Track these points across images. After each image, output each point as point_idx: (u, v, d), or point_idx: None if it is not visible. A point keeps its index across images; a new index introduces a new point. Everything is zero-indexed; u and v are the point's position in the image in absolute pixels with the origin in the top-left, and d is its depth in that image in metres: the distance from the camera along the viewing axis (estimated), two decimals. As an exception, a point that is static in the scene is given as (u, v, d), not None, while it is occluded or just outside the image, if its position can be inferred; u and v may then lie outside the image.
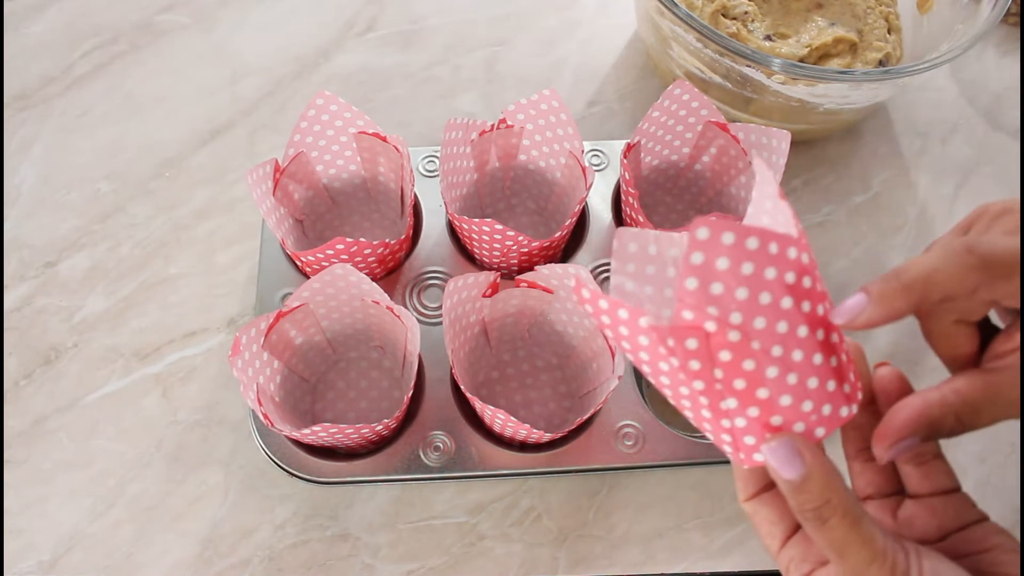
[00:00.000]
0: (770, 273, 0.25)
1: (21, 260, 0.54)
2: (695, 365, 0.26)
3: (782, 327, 0.26)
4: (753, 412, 0.27)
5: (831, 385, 0.28)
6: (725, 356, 0.26)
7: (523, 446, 0.47)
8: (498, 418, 0.42)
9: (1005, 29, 0.68)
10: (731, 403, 0.27)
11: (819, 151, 0.61)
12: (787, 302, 0.26)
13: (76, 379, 0.50)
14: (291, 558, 0.46)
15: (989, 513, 0.32)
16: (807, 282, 0.26)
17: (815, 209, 0.59)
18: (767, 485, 0.31)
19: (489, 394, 0.49)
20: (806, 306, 0.26)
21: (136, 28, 0.65)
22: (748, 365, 0.26)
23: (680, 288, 0.25)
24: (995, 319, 0.32)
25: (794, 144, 0.49)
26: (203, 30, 0.65)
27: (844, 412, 0.29)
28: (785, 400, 0.27)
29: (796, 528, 0.31)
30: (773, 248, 0.25)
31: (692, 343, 0.26)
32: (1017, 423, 0.51)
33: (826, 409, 0.28)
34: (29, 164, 0.58)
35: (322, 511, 0.47)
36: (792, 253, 0.25)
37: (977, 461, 0.49)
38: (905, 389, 0.32)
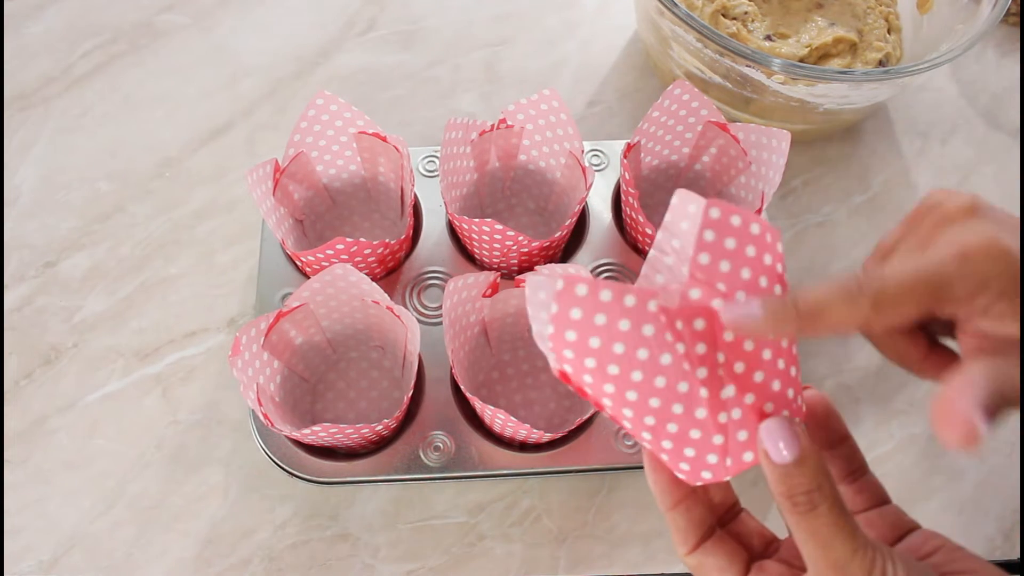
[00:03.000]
0: (767, 259, 0.27)
1: (21, 260, 0.54)
2: (701, 348, 0.27)
3: None
4: (749, 399, 0.28)
5: (794, 372, 0.29)
6: (728, 337, 0.27)
7: (523, 446, 0.47)
8: (498, 418, 0.42)
9: (1005, 29, 0.68)
10: (730, 391, 0.28)
11: (819, 151, 0.61)
12: (778, 289, 0.27)
13: (76, 379, 0.50)
14: (291, 558, 0.46)
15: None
16: (780, 269, 0.28)
17: (815, 209, 0.59)
18: (688, 492, 0.31)
19: (489, 394, 0.49)
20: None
21: (136, 28, 0.65)
22: (748, 346, 0.27)
23: (693, 263, 0.26)
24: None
25: (794, 144, 0.49)
26: (203, 30, 0.65)
27: (803, 406, 0.30)
28: (775, 385, 0.28)
29: (709, 534, 0.31)
30: (768, 237, 0.27)
31: (700, 323, 0.27)
32: (1017, 424, 0.51)
33: (799, 400, 0.29)
34: (29, 164, 0.58)
35: (322, 511, 0.47)
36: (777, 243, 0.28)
37: (977, 461, 0.49)
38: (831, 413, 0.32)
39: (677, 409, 0.28)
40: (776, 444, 0.27)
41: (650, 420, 0.28)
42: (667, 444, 0.28)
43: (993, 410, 0.27)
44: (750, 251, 0.27)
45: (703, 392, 0.27)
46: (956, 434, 0.26)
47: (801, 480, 0.27)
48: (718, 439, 0.28)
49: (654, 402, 0.27)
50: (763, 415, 0.28)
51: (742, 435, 0.28)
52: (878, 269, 0.29)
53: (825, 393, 0.33)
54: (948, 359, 0.31)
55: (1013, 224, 0.30)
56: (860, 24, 0.61)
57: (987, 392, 0.27)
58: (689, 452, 0.28)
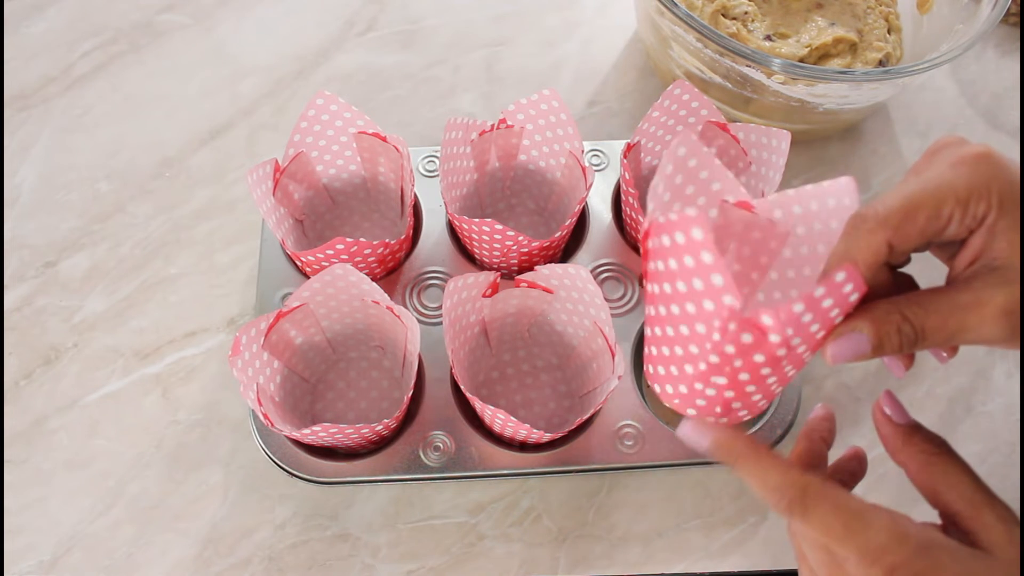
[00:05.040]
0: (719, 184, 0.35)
1: (21, 260, 0.54)
2: (716, 336, 0.29)
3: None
4: (728, 394, 0.33)
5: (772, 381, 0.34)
6: (746, 339, 0.29)
7: (523, 446, 0.47)
8: (498, 418, 0.42)
9: (1005, 29, 0.68)
10: (720, 380, 0.32)
11: (819, 151, 0.61)
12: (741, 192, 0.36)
13: (76, 379, 0.50)
14: (291, 558, 0.46)
15: (952, 449, 0.35)
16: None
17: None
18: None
19: (489, 394, 0.49)
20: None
21: (136, 28, 0.65)
22: (757, 357, 0.30)
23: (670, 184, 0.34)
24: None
25: (794, 144, 0.49)
26: (203, 30, 0.65)
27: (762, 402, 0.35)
28: (750, 388, 0.33)
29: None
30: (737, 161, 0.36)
31: (732, 325, 0.29)
32: (1017, 424, 0.51)
33: (762, 400, 0.35)
34: (29, 164, 0.58)
35: (322, 511, 0.47)
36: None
37: (977, 461, 0.49)
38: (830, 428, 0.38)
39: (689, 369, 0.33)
40: (696, 442, 0.34)
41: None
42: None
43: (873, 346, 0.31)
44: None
45: (702, 367, 0.32)
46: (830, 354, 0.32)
47: (722, 455, 0.34)
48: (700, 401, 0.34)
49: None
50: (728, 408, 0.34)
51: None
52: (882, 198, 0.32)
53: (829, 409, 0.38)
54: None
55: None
56: (860, 24, 0.61)
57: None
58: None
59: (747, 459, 0.33)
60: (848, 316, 0.30)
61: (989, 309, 0.30)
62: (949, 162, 0.31)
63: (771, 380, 0.32)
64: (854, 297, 0.28)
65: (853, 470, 0.39)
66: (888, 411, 0.35)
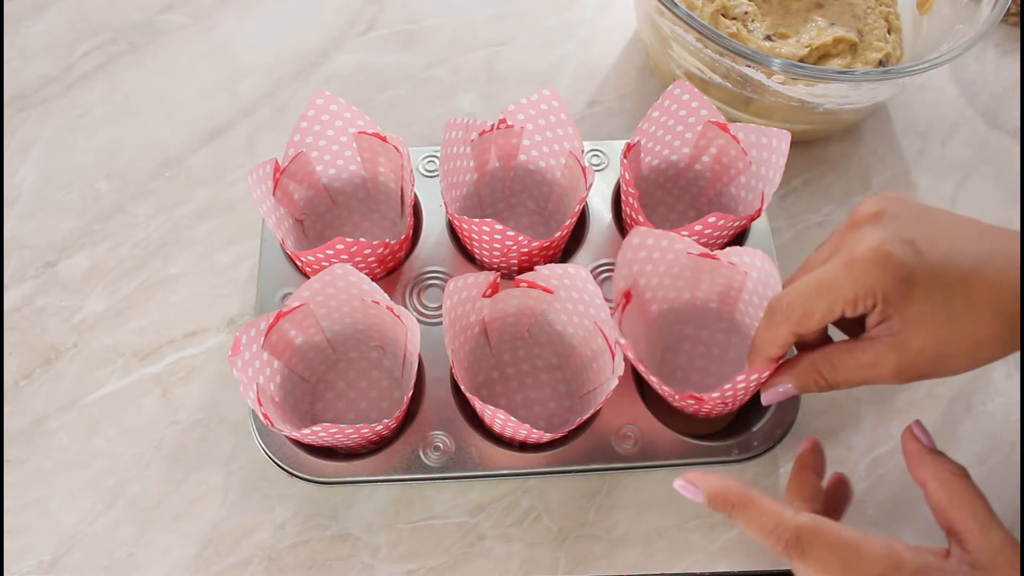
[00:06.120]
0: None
1: (21, 260, 0.54)
2: None
3: None
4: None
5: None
6: None
7: (523, 446, 0.47)
8: (498, 418, 0.42)
9: (1005, 29, 0.68)
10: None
11: (819, 151, 0.61)
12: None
13: (76, 379, 0.50)
14: (291, 558, 0.46)
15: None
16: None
17: (815, 209, 0.59)
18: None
19: (489, 394, 0.49)
20: None
21: (136, 28, 0.65)
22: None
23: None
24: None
25: (794, 144, 0.49)
26: (203, 30, 0.65)
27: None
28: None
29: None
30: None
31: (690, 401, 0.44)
32: (1017, 424, 0.51)
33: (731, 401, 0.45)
34: (29, 164, 0.58)
35: (322, 511, 0.47)
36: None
37: (977, 461, 0.49)
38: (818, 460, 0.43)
39: None
40: (691, 496, 0.38)
41: None
42: None
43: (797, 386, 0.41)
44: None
45: None
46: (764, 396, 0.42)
47: (717, 506, 0.37)
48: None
49: None
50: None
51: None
52: (783, 290, 0.39)
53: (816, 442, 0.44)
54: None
55: (925, 223, 0.37)
56: (860, 24, 0.61)
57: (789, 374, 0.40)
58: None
59: (741, 508, 0.36)
60: (777, 370, 0.41)
61: (886, 370, 0.36)
62: (843, 262, 0.36)
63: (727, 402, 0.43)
64: (761, 380, 0.41)
65: (839, 497, 0.42)
66: (917, 433, 0.39)
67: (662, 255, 0.46)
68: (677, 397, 0.44)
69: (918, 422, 0.40)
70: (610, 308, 0.45)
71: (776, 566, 0.46)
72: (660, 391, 0.44)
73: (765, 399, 0.42)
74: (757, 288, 0.46)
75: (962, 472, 0.37)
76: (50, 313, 0.52)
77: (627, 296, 0.45)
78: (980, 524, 0.35)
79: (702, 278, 0.48)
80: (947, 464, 0.37)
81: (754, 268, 0.45)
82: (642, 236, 0.45)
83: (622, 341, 0.42)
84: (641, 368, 0.43)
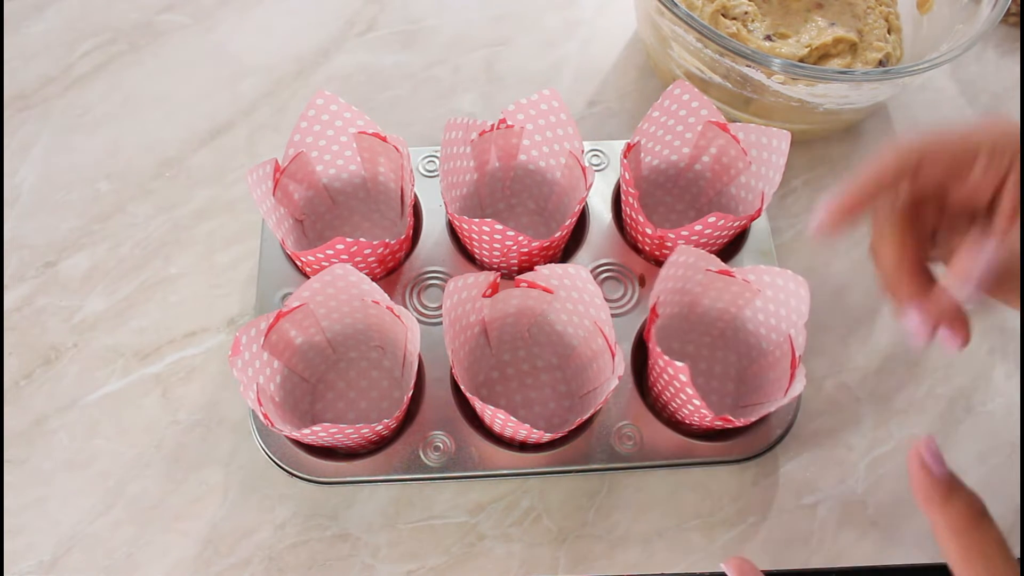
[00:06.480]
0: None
1: (21, 260, 0.54)
2: None
3: None
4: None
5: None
6: None
7: (523, 446, 0.47)
8: (498, 418, 0.42)
9: (1005, 29, 0.68)
10: None
11: (819, 151, 0.61)
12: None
13: (76, 379, 0.50)
14: (291, 558, 0.46)
15: (989, 513, 0.32)
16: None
17: (815, 209, 0.58)
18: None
19: (489, 394, 0.49)
20: None
21: (136, 28, 0.65)
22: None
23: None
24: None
25: (794, 144, 0.49)
26: (203, 30, 0.65)
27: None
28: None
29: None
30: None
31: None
32: (1017, 424, 0.51)
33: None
34: (29, 164, 0.58)
35: (322, 511, 0.47)
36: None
37: (977, 461, 0.49)
38: None
39: None
40: None
41: None
42: None
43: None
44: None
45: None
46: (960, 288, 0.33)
47: None
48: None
49: None
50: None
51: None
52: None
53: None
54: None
55: None
56: (860, 24, 0.61)
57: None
58: None
59: None
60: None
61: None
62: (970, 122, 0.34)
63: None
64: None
65: None
66: (927, 458, 0.34)
67: (687, 272, 0.46)
68: (709, 419, 0.42)
69: (928, 442, 0.34)
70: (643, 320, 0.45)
71: (776, 566, 0.46)
72: (699, 414, 0.43)
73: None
74: (767, 307, 0.46)
75: (983, 517, 0.33)
76: (50, 313, 0.52)
77: (653, 311, 0.45)
78: None
79: (708, 293, 0.48)
80: (964, 509, 0.33)
81: (772, 287, 0.45)
82: (686, 255, 0.44)
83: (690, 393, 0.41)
84: (689, 390, 0.41)
